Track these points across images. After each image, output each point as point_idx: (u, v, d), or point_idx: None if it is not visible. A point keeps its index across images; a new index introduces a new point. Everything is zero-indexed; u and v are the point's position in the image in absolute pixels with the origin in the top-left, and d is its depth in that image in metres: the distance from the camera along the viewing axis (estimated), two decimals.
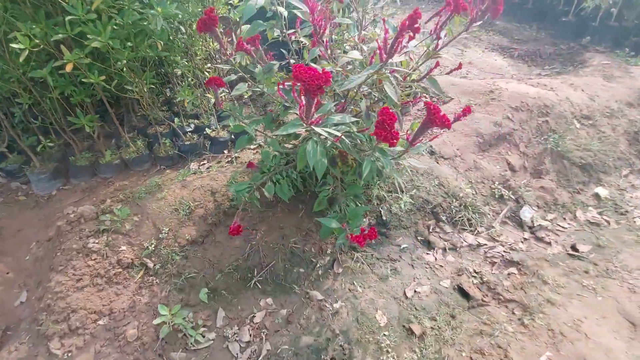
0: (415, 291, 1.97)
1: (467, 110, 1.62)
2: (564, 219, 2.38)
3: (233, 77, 1.63)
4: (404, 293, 1.95)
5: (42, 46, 1.56)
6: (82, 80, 1.74)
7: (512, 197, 2.44)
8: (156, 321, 1.63)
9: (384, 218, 2.19)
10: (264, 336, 1.77)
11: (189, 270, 1.89)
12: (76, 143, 2.32)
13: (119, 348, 1.64)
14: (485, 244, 2.21)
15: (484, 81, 3.09)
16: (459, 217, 2.30)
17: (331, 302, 1.89)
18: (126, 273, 1.81)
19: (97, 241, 1.82)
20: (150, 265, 1.85)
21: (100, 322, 1.67)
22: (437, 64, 1.68)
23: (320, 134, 1.22)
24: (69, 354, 1.57)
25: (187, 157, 2.48)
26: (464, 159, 2.54)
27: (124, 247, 1.85)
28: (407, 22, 1.19)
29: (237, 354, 1.71)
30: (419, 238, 2.23)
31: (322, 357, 1.68)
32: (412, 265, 2.10)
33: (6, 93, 1.97)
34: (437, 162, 2.49)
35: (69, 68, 1.58)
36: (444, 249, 2.19)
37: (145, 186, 2.08)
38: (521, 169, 2.59)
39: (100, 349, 1.61)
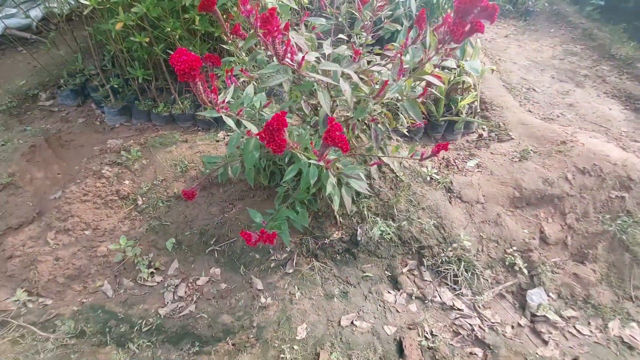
0: (352, 323, 1.82)
1: (440, 148, 1.39)
2: (589, 323, 1.82)
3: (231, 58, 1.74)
4: (340, 320, 1.82)
5: (107, 5, 1.96)
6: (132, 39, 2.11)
7: (527, 272, 1.98)
8: (112, 247, 1.92)
9: (359, 238, 2.05)
10: (195, 298, 1.91)
11: (167, 219, 2.14)
12: (142, 92, 2.80)
13: (89, 257, 1.99)
14: (461, 310, 1.87)
15: (561, 128, 2.51)
16: (446, 269, 1.99)
17: (267, 296, 1.90)
18: (120, 202, 2.16)
19: (110, 170, 2.21)
20: (140, 203, 2.16)
21: (86, 232, 2.05)
22: (426, 90, 1.46)
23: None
24: (56, 246, 1.99)
25: (218, 125, 2.74)
26: (485, 208, 2.16)
27: (127, 182, 2.21)
28: None
29: (166, 302, 1.89)
30: (388, 273, 2.02)
31: (227, 339, 1.73)
32: (366, 297, 1.93)
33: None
34: (450, 202, 2.18)
35: (118, 26, 1.95)
36: (410, 295, 1.94)
37: (162, 137, 2.41)
38: (558, 244, 2.05)
39: (76, 251, 1.99)
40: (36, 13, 3.64)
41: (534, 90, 3.29)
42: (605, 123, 2.83)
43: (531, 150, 2.36)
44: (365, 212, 2.08)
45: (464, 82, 2.59)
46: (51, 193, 2.29)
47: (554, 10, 4.62)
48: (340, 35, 1.91)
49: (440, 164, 2.37)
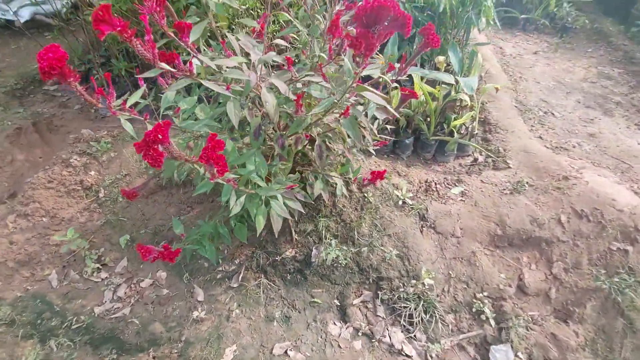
0: (286, 352, 1.67)
1: (376, 176, 1.22)
2: None
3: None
4: (273, 347, 1.68)
5: None
6: None
7: (495, 323, 1.72)
8: (58, 237, 1.91)
9: (312, 259, 1.89)
10: (133, 301, 1.85)
11: (124, 215, 2.10)
12: (135, 84, 2.82)
13: (42, 245, 1.99)
14: (410, 356, 1.66)
15: (568, 161, 2.19)
16: (403, 307, 1.78)
17: (204, 309, 1.80)
18: (82, 192, 2.15)
19: (78, 159, 2.21)
20: (101, 195, 2.14)
21: (44, 219, 2.06)
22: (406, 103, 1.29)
23: None
24: (14, 230, 2.01)
25: None
26: (460, 243, 1.92)
27: (92, 172, 2.20)
28: None
29: (104, 300, 1.84)
30: (338, 302, 1.85)
31: (150, 350, 1.64)
32: (309, 326, 1.77)
33: None
34: (421, 231, 1.96)
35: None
36: (357, 331, 1.75)
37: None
38: (539, 295, 1.77)
39: (31, 237, 2.00)
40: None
41: (553, 114, 2.94)
42: (630, 159, 2.45)
43: (527, 182, 2.08)
44: (324, 232, 1.92)
45: (461, 99, 2.35)
46: (28, 176, 2.33)
47: (595, 29, 4.16)
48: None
49: (420, 187, 2.15)
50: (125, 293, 1.87)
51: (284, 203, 1.34)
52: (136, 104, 1.17)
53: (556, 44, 4.00)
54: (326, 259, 1.85)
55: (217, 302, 1.83)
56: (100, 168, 2.22)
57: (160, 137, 0.91)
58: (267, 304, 1.83)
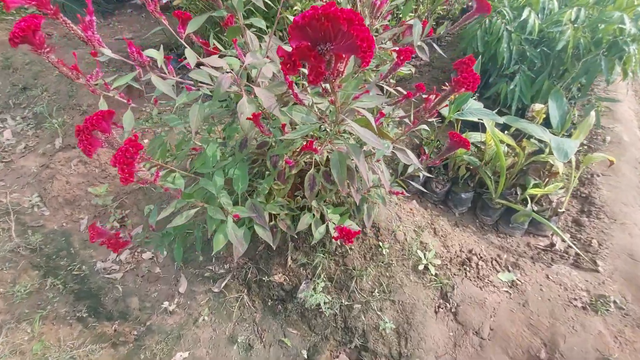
0: None
1: (344, 235, 0.95)
2: None
3: None
4: None
5: None
6: None
7: None
8: (92, 190, 2.09)
9: (298, 295, 1.67)
10: (128, 268, 1.91)
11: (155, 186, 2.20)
12: None
13: (85, 192, 2.22)
14: None
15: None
16: None
17: (179, 302, 1.75)
18: None
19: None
20: None
21: (96, 170, 2.30)
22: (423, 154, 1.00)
23: None
24: (73, 172, 2.30)
25: None
26: (483, 348, 1.45)
27: (146, 140, 2.37)
28: None
29: (108, 258, 1.95)
30: (307, 354, 1.58)
31: (116, 322, 1.66)
32: None
33: None
34: (436, 312, 1.55)
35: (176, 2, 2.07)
36: None
37: None
38: None
39: (81, 182, 2.25)
40: None
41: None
42: None
43: (615, 301, 1.47)
44: (319, 270, 1.68)
45: (551, 164, 1.80)
46: None
47: None
48: None
49: (456, 256, 1.71)
50: (126, 259, 1.96)
51: (248, 228, 1.17)
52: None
53: None
54: (311, 302, 1.60)
55: (193, 301, 1.76)
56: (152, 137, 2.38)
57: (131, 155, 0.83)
58: (237, 322, 1.69)
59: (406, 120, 1.32)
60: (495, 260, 1.73)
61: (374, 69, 1.26)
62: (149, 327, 1.66)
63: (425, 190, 1.93)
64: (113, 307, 1.73)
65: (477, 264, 1.67)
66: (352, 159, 0.96)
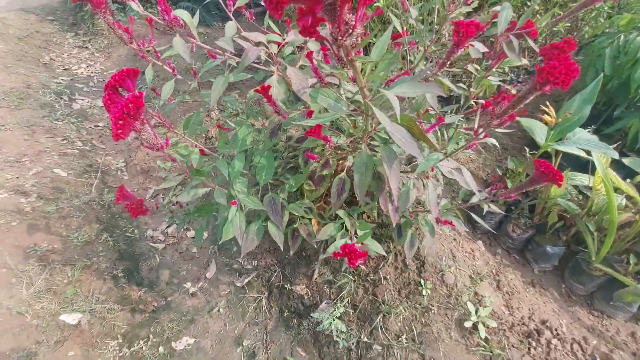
0: None
1: (348, 253, 0.75)
2: None
3: None
4: None
5: None
6: None
7: None
8: (160, 164, 2.24)
9: (316, 314, 1.49)
10: (171, 242, 1.98)
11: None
12: None
13: (157, 165, 2.42)
14: None
15: None
16: None
17: (203, 287, 1.73)
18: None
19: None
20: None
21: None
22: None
23: None
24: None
25: None
26: None
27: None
28: None
29: (159, 228, 2.06)
30: None
31: (144, 290, 1.71)
32: None
33: None
34: None
35: None
36: None
37: None
38: None
39: (158, 157, 2.46)
40: None
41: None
42: None
43: None
44: (344, 293, 1.47)
45: None
46: None
47: None
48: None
49: (521, 324, 1.32)
50: (172, 232, 2.04)
51: (263, 225, 1.06)
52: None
53: None
54: (326, 328, 1.41)
55: (215, 289, 1.72)
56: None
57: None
58: (248, 324, 1.58)
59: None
60: (579, 343, 1.28)
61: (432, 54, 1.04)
62: (168, 302, 1.67)
63: (496, 233, 1.57)
64: (146, 274, 1.80)
65: (548, 342, 1.26)
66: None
